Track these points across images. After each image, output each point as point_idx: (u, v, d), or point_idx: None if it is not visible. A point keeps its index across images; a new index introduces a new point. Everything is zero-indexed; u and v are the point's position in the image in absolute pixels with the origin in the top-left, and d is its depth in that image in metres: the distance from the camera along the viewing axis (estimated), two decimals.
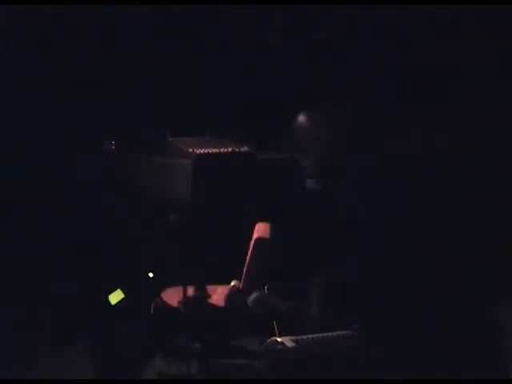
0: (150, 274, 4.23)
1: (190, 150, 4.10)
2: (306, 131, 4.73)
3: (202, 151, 4.09)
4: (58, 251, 4.67)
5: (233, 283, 3.50)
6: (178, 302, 3.65)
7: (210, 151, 4.12)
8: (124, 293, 4.02)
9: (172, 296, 3.75)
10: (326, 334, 3.01)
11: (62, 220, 4.74)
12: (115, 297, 4.01)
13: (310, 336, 3.02)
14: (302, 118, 4.85)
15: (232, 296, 3.42)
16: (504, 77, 2.58)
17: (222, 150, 4.19)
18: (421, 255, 2.52)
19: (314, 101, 4.81)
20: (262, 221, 3.74)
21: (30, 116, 4.77)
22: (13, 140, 4.72)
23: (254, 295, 3.38)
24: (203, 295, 3.68)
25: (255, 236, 3.56)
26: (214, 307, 3.62)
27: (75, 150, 4.74)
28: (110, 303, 4.01)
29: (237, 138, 4.40)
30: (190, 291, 3.69)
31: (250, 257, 3.51)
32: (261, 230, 3.64)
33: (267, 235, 3.59)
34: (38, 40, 4.73)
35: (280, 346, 2.94)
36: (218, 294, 3.71)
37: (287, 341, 2.96)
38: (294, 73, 4.82)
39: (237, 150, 4.22)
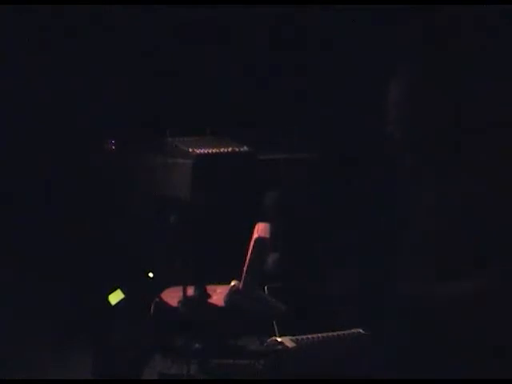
0: (150, 274, 4.23)
1: (190, 150, 4.10)
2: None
3: (201, 151, 4.09)
4: (58, 251, 4.67)
5: (233, 283, 3.50)
6: (178, 302, 3.65)
7: (210, 151, 4.12)
8: (124, 293, 4.02)
9: (172, 296, 3.76)
10: (326, 335, 3.01)
11: (61, 220, 4.74)
12: (115, 297, 4.01)
13: (310, 336, 3.02)
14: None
15: (232, 296, 3.42)
16: None
17: (222, 149, 4.18)
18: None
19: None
20: (262, 221, 3.74)
21: (30, 115, 4.77)
22: (12, 139, 4.72)
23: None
24: (203, 295, 3.68)
25: (255, 236, 3.56)
26: (214, 307, 3.62)
27: (75, 150, 4.74)
28: (110, 303, 4.00)
29: (237, 138, 4.40)
30: (190, 291, 3.69)
31: (250, 257, 3.51)
32: (261, 229, 3.63)
33: (267, 235, 3.59)
34: (38, 39, 4.72)
35: (280, 346, 2.94)
36: (217, 294, 3.71)
37: (287, 341, 2.96)
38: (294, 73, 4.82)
39: (237, 149, 4.21)
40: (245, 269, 3.50)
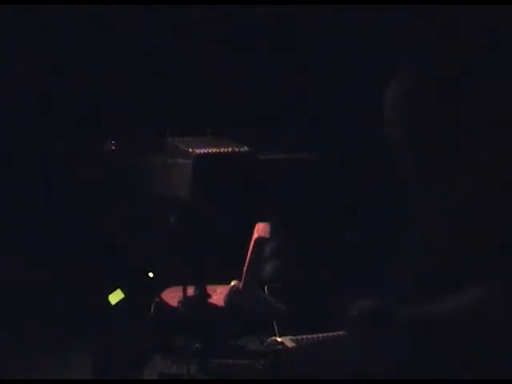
0: (150, 274, 4.23)
1: (190, 150, 4.10)
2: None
3: (202, 151, 4.08)
4: (58, 251, 4.67)
5: (233, 283, 3.50)
6: (178, 302, 3.65)
7: (210, 151, 4.12)
8: (124, 293, 4.02)
9: (172, 296, 3.75)
10: (326, 335, 3.01)
11: (62, 220, 4.74)
12: (115, 297, 4.01)
13: (310, 336, 3.02)
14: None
15: (232, 296, 3.42)
16: None
17: (222, 149, 4.18)
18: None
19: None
20: (262, 221, 3.73)
21: (30, 115, 4.77)
22: (12, 139, 4.72)
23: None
24: (203, 295, 3.68)
25: (255, 236, 3.56)
26: (214, 307, 3.62)
27: (75, 150, 4.74)
28: (110, 303, 4.00)
29: (237, 138, 4.39)
30: (190, 291, 3.69)
31: (250, 257, 3.50)
32: (261, 229, 3.63)
33: (267, 235, 3.59)
34: (38, 39, 4.73)
35: (280, 346, 2.94)
36: (217, 294, 3.71)
37: (287, 341, 2.96)
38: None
39: (237, 149, 4.21)
40: (245, 269, 3.50)
